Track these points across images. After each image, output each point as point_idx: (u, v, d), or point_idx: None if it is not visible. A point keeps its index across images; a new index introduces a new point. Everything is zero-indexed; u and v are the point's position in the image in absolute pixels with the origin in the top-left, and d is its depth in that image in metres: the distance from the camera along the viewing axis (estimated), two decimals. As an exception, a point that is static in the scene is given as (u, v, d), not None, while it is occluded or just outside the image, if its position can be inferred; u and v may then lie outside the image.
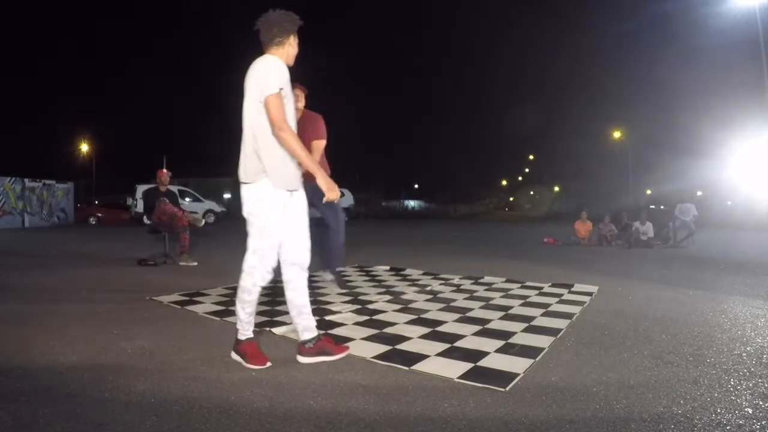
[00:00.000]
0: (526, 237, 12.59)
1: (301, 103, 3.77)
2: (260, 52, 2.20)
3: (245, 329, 2.19)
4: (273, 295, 3.73)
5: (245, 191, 2.17)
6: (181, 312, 3.16)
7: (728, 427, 1.55)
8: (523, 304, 3.44)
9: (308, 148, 3.63)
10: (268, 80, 2.07)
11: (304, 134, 3.69)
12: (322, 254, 4.05)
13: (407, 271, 5.13)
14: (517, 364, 2.14)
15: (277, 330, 2.67)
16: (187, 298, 3.54)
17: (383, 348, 2.38)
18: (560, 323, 2.89)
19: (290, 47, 2.22)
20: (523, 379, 1.99)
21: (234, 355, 2.19)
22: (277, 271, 2.21)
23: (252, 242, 2.16)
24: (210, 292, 3.81)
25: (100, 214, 19.82)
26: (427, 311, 3.20)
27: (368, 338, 2.56)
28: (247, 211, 2.17)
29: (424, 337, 2.59)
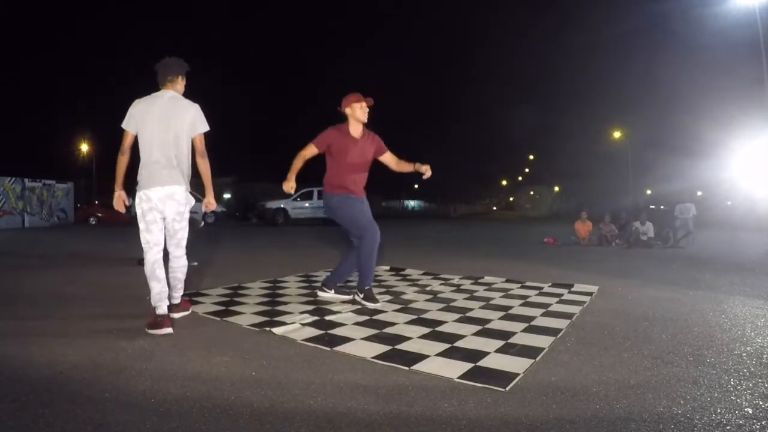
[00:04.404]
0: (526, 237, 12.60)
1: (365, 118, 3.52)
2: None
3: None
4: (273, 295, 3.73)
5: (183, 192, 2.83)
6: (181, 312, 3.15)
7: (728, 427, 1.55)
8: (523, 304, 3.44)
9: (365, 164, 3.60)
10: (204, 121, 2.88)
11: (369, 152, 3.58)
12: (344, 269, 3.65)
13: (407, 271, 5.13)
14: (517, 364, 2.14)
15: (277, 330, 2.67)
16: (186, 298, 3.53)
17: (383, 348, 2.38)
18: (560, 323, 2.89)
19: (174, 84, 2.88)
20: (523, 379, 1.99)
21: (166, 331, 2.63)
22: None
23: (186, 231, 2.92)
24: (210, 292, 3.81)
25: (100, 214, 19.82)
26: (427, 311, 3.20)
27: (368, 338, 2.56)
28: (184, 207, 2.87)
29: (424, 337, 2.59)
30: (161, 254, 2.82)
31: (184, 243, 2.96)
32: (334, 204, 3.47)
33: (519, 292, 3.95)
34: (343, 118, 3.51)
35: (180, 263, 2.97)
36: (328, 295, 3.62)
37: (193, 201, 2.97)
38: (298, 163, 3.45)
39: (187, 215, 2.94)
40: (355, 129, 3.49)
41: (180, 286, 2.99)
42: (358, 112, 3.46)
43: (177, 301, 3.00)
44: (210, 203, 2.99)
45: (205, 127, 2.90)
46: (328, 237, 11.00)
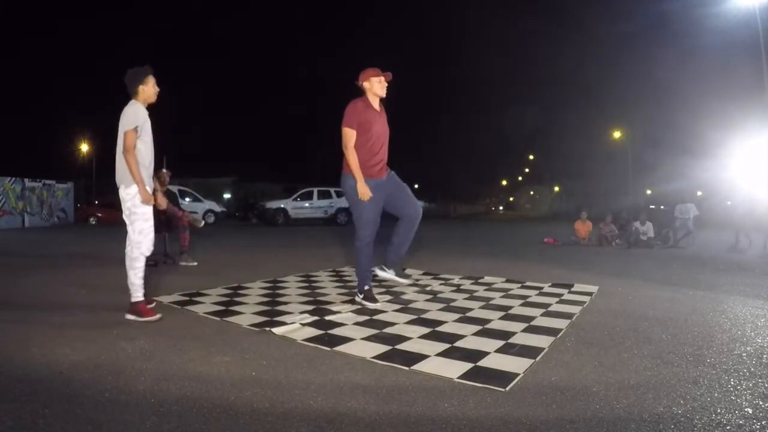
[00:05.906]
0: (526, 237, 12.59)
1: (384, 93, 3.44)
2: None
3: (138, 292, 2.92)
4: (273, 295, 3.73)
5: (122, 189, 2.95)
6: (181, 312, 3.16)
7: (728, 427, 1.55)
8: (523, 304, 3.44)
9: (386, 138, 3.54)
10: (130, 119, 2.93)
11: (384, 132, 3.50)
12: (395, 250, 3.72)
13: (407, 271, 5.13)
14: (517, 364, 2.14)
15: (277, 330, 2.67)
16: (187, 298, 3.54)
17: (383, 348, 2.38)
18: (560, 323, 2.89)
19: (142, 93, 3.03)
20: (523, 379, 1.99)
21: (129, 316, 2.87)
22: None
23: (138, 226, 2.96)
24: (210, 292, 3.81)
25: (100, 214, 19.79)
26: (427, 311, 3.20)
27: (368, 338, 2.56)
28: (130, 203, 2.95)
29: (424, 337, 2.59)
30: (130, 248, 3.03)
31: (134, 236, 2.97)
32: (349, 186, 3.36)
33: (519, 292, 3.95)
34: (360, 93, 3.45)
35: (126, 252, 2.98)
36: (386, 275, 3.79)
37: (138, 198, 2.98)
38: (356, 157, 3.29)
39: (134, 209, 2.96)
40: (374, 103, 3.44)
41: (132, 281, 2.92)
42: (376, 86, 3.39)
43: (132, 299, 2.90)
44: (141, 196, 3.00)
45: (129, 125, 2.90)
46: (328, 237, 11.00)
